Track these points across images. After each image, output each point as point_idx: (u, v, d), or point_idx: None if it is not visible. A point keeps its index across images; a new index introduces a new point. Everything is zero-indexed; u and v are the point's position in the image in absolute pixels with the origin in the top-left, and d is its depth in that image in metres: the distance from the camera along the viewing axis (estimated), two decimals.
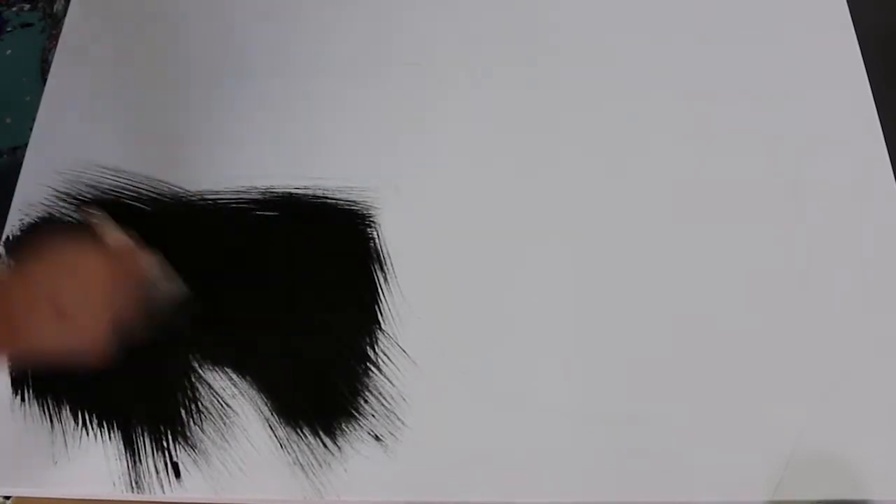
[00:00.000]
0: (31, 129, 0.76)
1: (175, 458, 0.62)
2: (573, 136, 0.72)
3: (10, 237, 0.71)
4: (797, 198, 0.68)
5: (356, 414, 0.63)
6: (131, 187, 0.73)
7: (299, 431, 0.62)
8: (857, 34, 0.74)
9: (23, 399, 0.65)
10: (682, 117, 0.72)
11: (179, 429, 0.63)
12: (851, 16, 0.75)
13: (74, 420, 0.64)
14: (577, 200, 0.69)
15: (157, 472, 0.62)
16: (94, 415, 0.64)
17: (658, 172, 0.70)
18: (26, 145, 0.76)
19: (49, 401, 0.65)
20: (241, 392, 0.64)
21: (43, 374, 0.66)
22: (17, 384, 0.66)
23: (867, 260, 0.66)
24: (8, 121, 0.82)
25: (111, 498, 0.62)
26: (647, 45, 0.76)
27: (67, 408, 0.65)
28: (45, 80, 0.80)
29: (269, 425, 0.63)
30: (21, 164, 0.75)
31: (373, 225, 0.69)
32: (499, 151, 0.72)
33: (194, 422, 0.63)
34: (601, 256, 0.67)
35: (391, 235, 0.69)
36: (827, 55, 0.74)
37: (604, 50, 0.76)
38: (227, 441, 0.62)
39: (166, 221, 0.71)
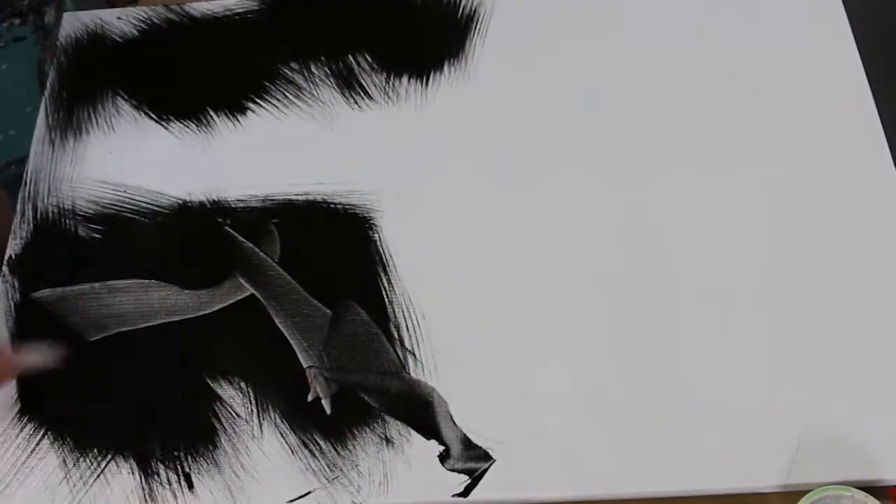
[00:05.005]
0: None
1: (187, 469, 0.63)
2: (573, 137, 0.72)
3: (13, 256, 0.72)
4: (799, 185, 0.68)
5: (366, 417, 0.63)
6: (131, 201, 0.73)
7: (310, 437, 0.63)
8: (853, 30, 0.74)
9: (30, 419, 0.65)
10: (679, 119, 0.72)
11: (190, 439, 0.63)
12: (846, 12, 0.75)
13: (85, 435, 0.64)
14: (576, 199, 0.69)
15: (170, 483, 0.62)
16: (105, 429, 0.65)
17: (656, 170, 0.70)
18: None
19: (59, 417, 0.65)
20: (249, 400, 0.64)
21: (53, 392, 0.66)
22: (26, 401, 0.66)
23: (874, 245, 0.65)
24: (12, 132, 0.82)
25: None
26: (643, 46, 0.76)
27: (78, 423, 0.65)
28: (43, 91, 0.80)
29: (280, 432, 0.63)
30: None
31: (374, 228, 0.70)
32: (500, 152, 0.72)
33: (205, 432, 0.64)
34: (601, 253, 0.67)
35: (393, 238, 0.69)
36: (823, 51, 0.74)
37: (602, 51, 0.76)
38: (238, 450, 0.63)
39: (167, 233, 0.72)
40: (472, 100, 0.75)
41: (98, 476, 0.63)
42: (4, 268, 0.71)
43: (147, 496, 0.62)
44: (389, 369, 0.64)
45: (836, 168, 0.68)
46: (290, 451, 0.62)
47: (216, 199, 0.72)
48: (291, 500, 0.60)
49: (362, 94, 0.77)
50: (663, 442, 0.60)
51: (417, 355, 0.64)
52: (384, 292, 0.67)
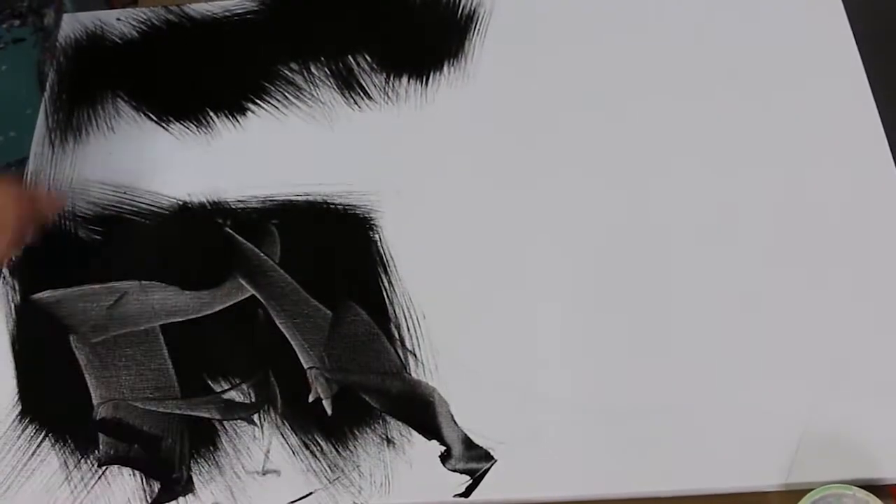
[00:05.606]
0: None
1: (189, 471, 0.63)
2: (573, 137, 0.72)
3: (13, 257, 0.71)
4: (799, 185, 0.68)
5: (367, 418, 0.63)
6: (131, 202, 0.73)
7: (311, 438, 0.63)
8: (853, 29, 0.74)
9: (31, 421, 0.65)
10: (679, 119, 0.72)
11: (192, 441, 0.63)
12: (846, 11, 0.75)
13: (87, 437, 0.64)
14: (576, 198, 0.70)
15: None
16: (106, 431, 0.65)
17: (655, 170, 0.70)
18: None
19: (60, 419, 0.65)
20: (251, 401, 0.64)
21: (53, 394, 0.66)
22: (27, 403, 0.66)
23: (874, 244, 0.65)
24: (12, 134, 0.82)
25: None
26: (642, 46, 0.76)
27: (80, 427, 0.65)
28: (43, 92, 0.80)
29: (281, 433, 0.63)
30: None
31: (374, 228, 0.70)
32: (500, 152, 0.72)
33: (207, 433, 0.64)
34: (601, 252, 0.67)
35: (393, 239, 0.69)
36: (823, 50, 0.74)
37: (601, 51, 0.76)
38: (239, 451, 0.63)
39: (167, 234, 0.72)
40: (471, 100, 0.75)
41: (99, 478, 0.63)
42: (4, 269, 0.71)
43: (148, 497, 0.62)
44: (390, 370, 0.64)
45: (836, 167, 0.68)
46: (291, 452, 0.62)
47: (216, 200, 0.73)
48: (293, 501, 0.60)
49: (362, 94, 0.77)
50: (663, 442, 0.60)
51: (418, 356, 0.65)
52: (385, 293, 0.67)
